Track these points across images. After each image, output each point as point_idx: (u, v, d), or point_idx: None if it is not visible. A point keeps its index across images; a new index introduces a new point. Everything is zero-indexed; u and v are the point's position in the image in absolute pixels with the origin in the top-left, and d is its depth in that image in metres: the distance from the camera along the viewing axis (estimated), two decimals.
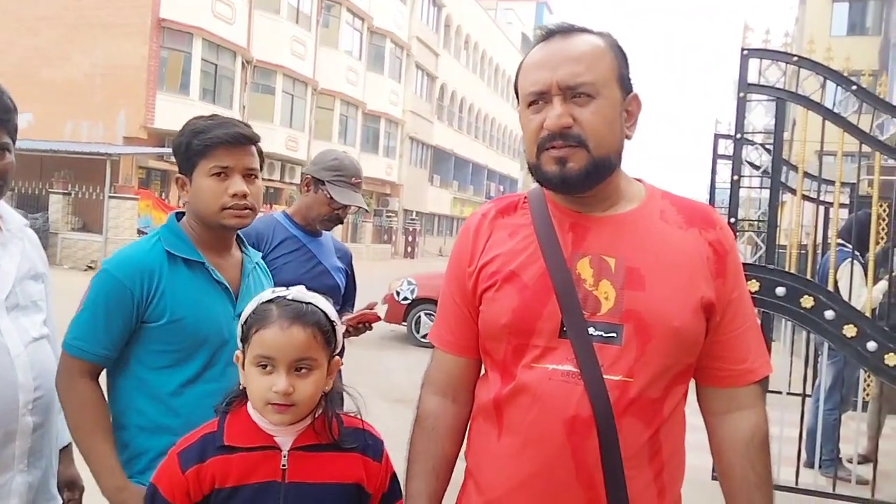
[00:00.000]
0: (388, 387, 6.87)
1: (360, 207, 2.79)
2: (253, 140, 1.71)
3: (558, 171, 1.22)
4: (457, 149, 41.64)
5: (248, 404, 1.36)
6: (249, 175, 1.69)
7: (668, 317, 1.19)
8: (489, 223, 1.35)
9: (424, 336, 9.47)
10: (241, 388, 1.38)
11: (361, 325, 2.61)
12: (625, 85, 1.25)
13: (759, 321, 1.73)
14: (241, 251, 1.82)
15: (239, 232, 1.81)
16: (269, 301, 1.35)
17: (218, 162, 1.65)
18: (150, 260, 1.63)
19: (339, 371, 1.46)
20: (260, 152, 1.77)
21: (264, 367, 1.30)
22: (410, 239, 33.82)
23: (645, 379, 1.18)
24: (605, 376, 1.17)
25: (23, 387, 1.52)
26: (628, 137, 1.27)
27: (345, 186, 2.70)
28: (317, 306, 1.35)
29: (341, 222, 2.78)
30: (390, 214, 33.86)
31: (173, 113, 19.85)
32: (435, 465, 1.35)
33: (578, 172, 1.20)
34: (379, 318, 2.66)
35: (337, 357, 1.39)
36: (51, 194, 17.22)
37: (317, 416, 1.37)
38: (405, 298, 9.60)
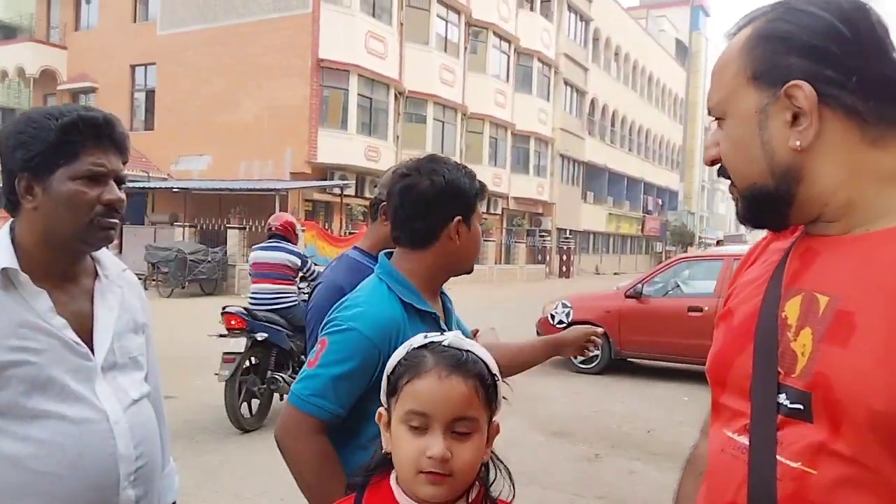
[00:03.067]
0: (545, 417, 6.62)
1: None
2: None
3: (735, 207, 1.02)
4: (610, 163, 40.61)
5: (392, 476, 1.15)
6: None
7: (864, 391, 0.81)
8: (764, 245, 1.10)
9: (583, 362, 9.12)
10: (383, 453, 1.16)
11: None
12: (769, 79, 0.91)
13: None
14: (441, 297, 1.74)
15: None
16: (422, 347, 1.15)
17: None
18: (397, 316, 1.53)
19: None
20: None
21: (416, 427, 1.09)
22: (565, 258, 33.23)
23: (833, 474, 0.84)
24: (779, 458, 0.88)
25: (123, 457, 1.37)
26: (795, 148, 0.90)
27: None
28: (477, 356, 1.14)
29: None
30: (543, 234, 33.52)
31: (334, 147, 20.95)
32: None
33: (741, 211, 1.00)
34: None
35: (496, 422, 1.17)
36: (228, 229, 18.65)
37: (472, 498, 1.13)
38: (560, 322, 9.29)
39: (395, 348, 1.37)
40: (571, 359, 9.15)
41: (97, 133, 1.38)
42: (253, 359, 5.96)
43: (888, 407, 0.79)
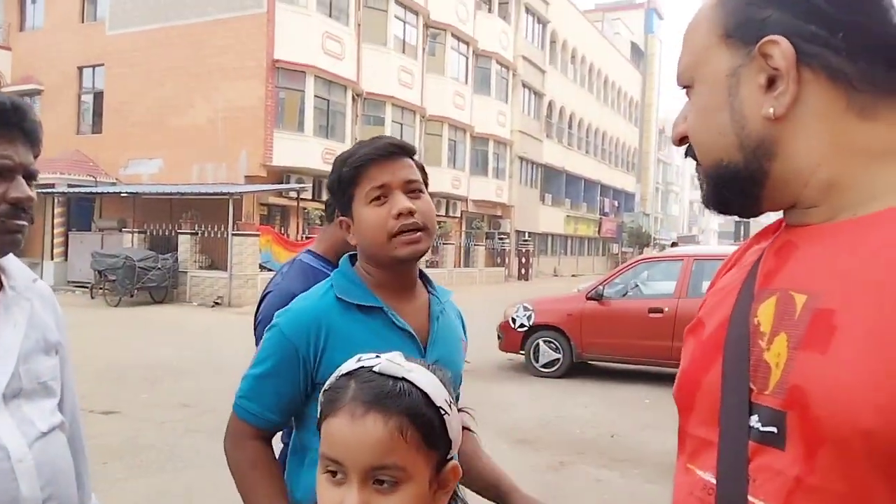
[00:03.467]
0: (508, 424, 6.46)
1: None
2: (407, 150, 1.46)
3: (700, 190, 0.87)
4: (567, 166, 40.91)
5: None
6: (413, 191, 1.42)
7: (848, 405, 0.64)
8: (744, 248, 0.93)
9: (545, 365, 9.02)
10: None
11: None
12: (742, 36, 0.76)
13: None
14: (428, 291, 1.54)
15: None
16: (348, 374, 0.95)
17: (372, 182, 1.39)
18: (318, 311, 1.39)
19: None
20: (421, 168, 1.49)
21: (333, 474, 0.90)
22: (524, 261, 33.29)
23: None
24: (752, 501, 0.70)
25: (27, 501, 1.19)
26: (769, 116, 0.75)
27: None
28: (413, 384, 0.92)
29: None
30: (502, 237, 33.54)
31: (290, 150, 20.55)
32: None
33: (706, 194, 0.84)
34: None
35: (453, 462, 0.96)
36: (179, 235, 18.14)
37: None
38: (522, 325, 9.18)
39: (319, 347, 1.34)
40: (533, 362, 9.05)
41: (4, 121, 1.20)
42: None
43: (879, 423, 0.62)
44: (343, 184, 1.42)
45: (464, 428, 1.02)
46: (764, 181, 0.77)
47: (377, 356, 0.96)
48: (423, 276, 1.55)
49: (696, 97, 0.81)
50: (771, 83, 0.74)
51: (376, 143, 1.42)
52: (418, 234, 1.38)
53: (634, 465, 5.51)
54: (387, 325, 1.40)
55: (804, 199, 0.77)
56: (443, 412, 0.93)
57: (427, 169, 1.54)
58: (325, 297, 1.42)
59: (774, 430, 0.69)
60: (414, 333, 1.41)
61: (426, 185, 1.48)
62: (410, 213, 1.37)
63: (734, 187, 0.80)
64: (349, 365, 0.97)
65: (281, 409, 1.39)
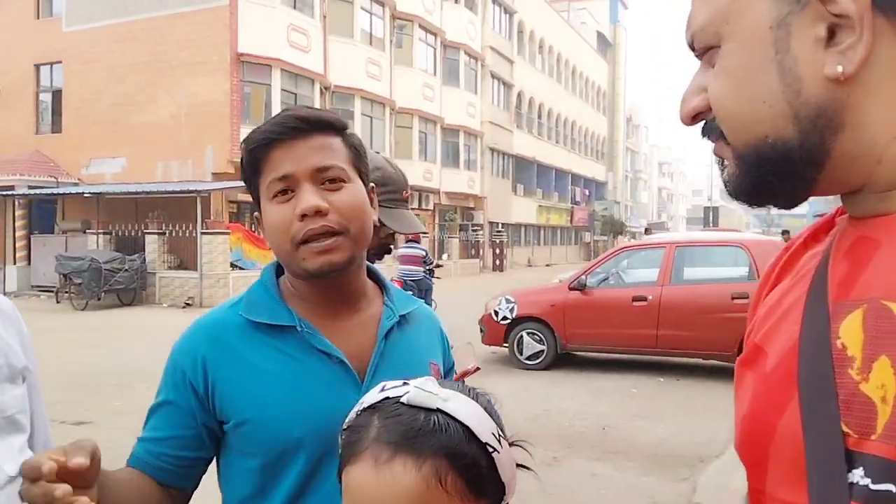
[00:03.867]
0: None
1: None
2: (318, 123, 1.08)
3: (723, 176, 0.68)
4: (538, 156, 40.93)
5: None
6: (329, 180, 1.06)
7: None
8: (792, 253, 0.74)
9: (528, 358, 8.89)
10: None
11: None
12: None
13: None
14: (384, 302, 1.20)
15: (380, 275, 1.25)
16: (372, 408, 0.76)
17: (274, 172, 1.05)
18: (213, 329, 1.10)
19: None
20: (354, 148, 1.13)
21: None
22: (498, 252, 33.24)
23: None
24: None
25: None
26: (835, 76, 0.58)
27: (399, 206, 1.87)
28: (451, 416, 0.73)
29: (389, 252, 1.95)
30: (476, 228, 33.43)
31: None
32: None
33: (736, 180, 0.66)
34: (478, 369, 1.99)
35: None
36: (146, 235, 17.68)
37: None
38: (504, 318, 9.03)
39: (208, 376, 1.06)
40: (517, 355, 8.91)
41: None
42: None
43: None
44: (247, 170, 1.10)
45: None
46: (824, 160, 0.60)
47: (404, 383, 0.77)
48: (378, 280, 1.23)
49: (727, 58, 0.62)
50: (832, 34, 0.57)
51: (278, 119, 1.08)
52: (332, 239, 1.04)
53: (628, 458, 5.39)
54: (302, 348, 1.09)
55: (878, 180, 0.60)
56: (490, 449, 0.74)
57: (398, 162, 1.22)
58: (228, 313, 1.13)
59: (892, 487, 0.51)
60: (343, 357, 1.08)
61: (361, 168, 1.13)
62: (319, 212, 1.03)
63: (784, 170, 0.62)
64: (371, 396, 0.78)
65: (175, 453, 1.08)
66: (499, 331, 9.01)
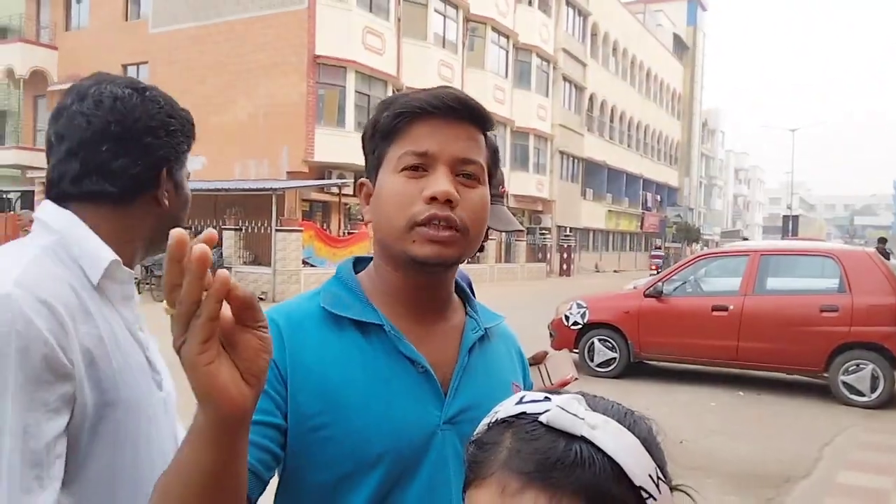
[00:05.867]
0: None
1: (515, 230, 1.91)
2: (476, 115, 1.00)
3: None
4: (609, 160, 40.25)
5: None
6: (466, 175, 0.98)
7: None
8: None
9: (600, 365, 8.69)
10: None
11: None
12: None
13: None
14: (466, 312, 1.10)
15: (462, 282, 1.13)
16: (506, 422, 0.67)
17: (413, 146, 0.97)
18: (295, 317, 0.99)
19: None
20: (494, 150, 1.08)
21: None
22: (565, 256, 32.80)
23: None
24: None
25: None
26: None
27: (497, 202, 1.74)
28: (597, 447, 0.62)
29: (483, 250, 1.83)
30: (543, 232, 33.10)
31: (331, 145, 20.48)
32: None
33: None
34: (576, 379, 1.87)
35: None
36: (224, 230, 18.18)
37: None
38: (575, 323, 8.85)
39: (285, 366, 0.94)
40: (587, 361, 8.73)
41: None
42: None
43: None
44: (377, 134, 1.01)
45: None
46: None
47: (546, 398, 0.66)
48: (461, 292, 1.13)
49: None
50: None
51: (436, 92, 0.98)
52: (450, 233, 0.95)
53: (707, 474, 5.18)
54: (387, 351, 0.98)
55: None
56: (645, 495, 0.62)
57: None
58: (308, 303, 1.02)
59: None
60: (428, 367, 0.98)
61: (492, 178, 1.06)
62: (449, 201, 0.94)
63: None
64: (507, 406, 0.68)
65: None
66: (569, 336, 8.84)
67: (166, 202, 1.16)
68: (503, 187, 1.82)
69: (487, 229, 1.72)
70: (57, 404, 0.93)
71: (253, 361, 0.65)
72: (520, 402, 0.68)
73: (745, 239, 23.44)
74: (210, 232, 0.62)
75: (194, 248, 0.59)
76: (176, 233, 0.60)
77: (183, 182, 1.23)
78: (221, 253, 17.75)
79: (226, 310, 0.63)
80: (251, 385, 0.65)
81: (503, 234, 25.78)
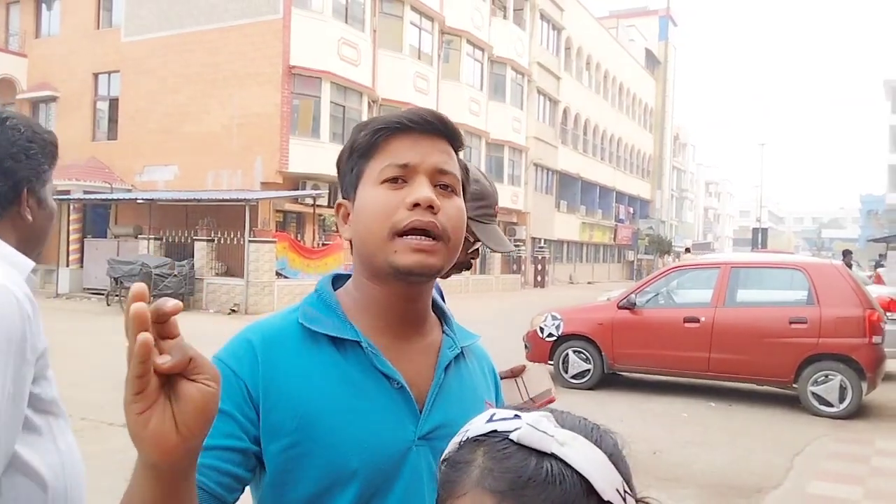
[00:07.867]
0: None
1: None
2: (449, 132, 1.06)
3: None
4: (583, 172, 40.59)
5: None
6: (443, 185, 1.02)
7: None
8: None
9: (574, 376, 8.73)
10: None
11: None
12: None
13: None
14: (442, 330, 1.12)
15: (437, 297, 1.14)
16: (477, 441, 0.67)
17: (393, 159, 1.00)
18: (266, 333, 1.00)
19: None
20: (464, 168, 1.11)
21: None
22: (540, 268, 32.97)
23: None
24: None
25: None
26: None
27: (491, 222, 1.78)
28: (567, 464, 0.63)
29: (470, 268, 1.82)
30: (518, 243, 33.24)
31: (306, 156, 20.38)
32: None
33: None
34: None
35: None
36: (196, 241, 17.97)
37: None
38: (550, 335, 8.89)
39: (259, 387, 0.95)
40: (562, 373, 8.76)
41: None
42: None
43: None
44: (356, 153, 1.03)
45: None
46: None
47: (516, 415, 0.67)
48: (439, 310, 1.14)
49: None
50: None
51: (412, 110, 1.06)
52: (432, 242, 0.97)
53: (682, 485, 5.21)
54: (364, 367, 0.99)
55: None
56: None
57: None
58: (285, 319, 1.03)
59: None
60: (404, 383, 0.99)
61: (465, 190, 1.10)
62: (431, 207, 0.97)
63: None
64: (478, 424, 0.69)
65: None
66: (544, 348, 8.87)
67: (29, 217, 1.32)
68: (496, 207, 1.83)
69: (482, 247, 1.74)
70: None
71: (188, 414, 0.67)
72: (490, 419, 0.68)
73: (688, 251, 23.82)
74: (138, 288, 0.65)
75: (130, 307, 0.63)
76: (134, 302, 0.63)
77: (46, 198, 1.38)
78: (193, 265, 17.55)
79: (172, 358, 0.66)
80: (183, 436, 0.67)
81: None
